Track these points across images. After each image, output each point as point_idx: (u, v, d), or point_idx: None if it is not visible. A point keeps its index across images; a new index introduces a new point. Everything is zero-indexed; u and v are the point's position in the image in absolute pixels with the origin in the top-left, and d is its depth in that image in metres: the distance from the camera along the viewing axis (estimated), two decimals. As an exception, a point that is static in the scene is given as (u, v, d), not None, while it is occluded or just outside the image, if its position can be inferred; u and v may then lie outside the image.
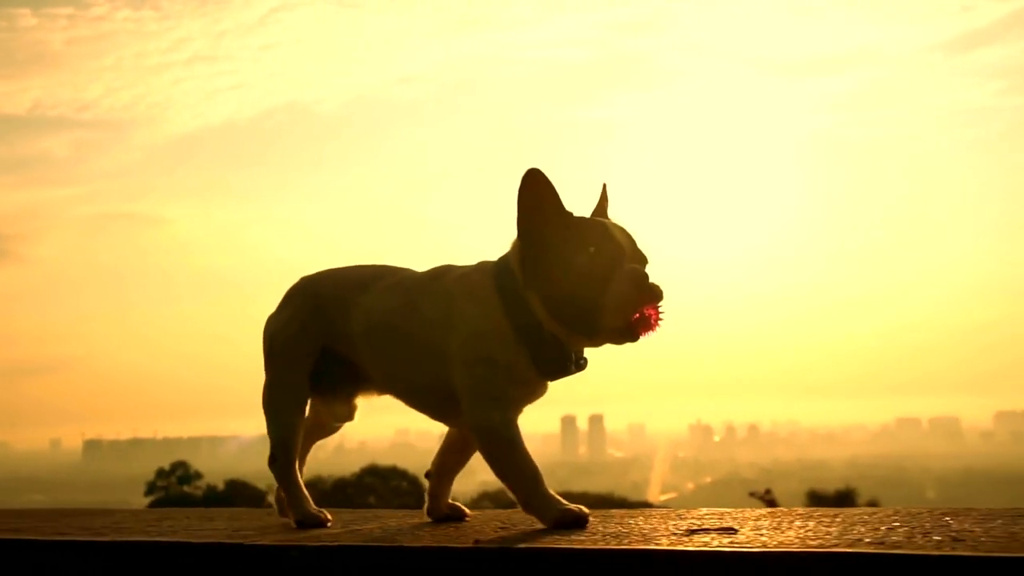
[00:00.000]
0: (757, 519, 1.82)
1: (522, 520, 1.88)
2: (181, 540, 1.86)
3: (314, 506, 2.02)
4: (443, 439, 2.04)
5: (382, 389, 2.04)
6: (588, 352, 1.87)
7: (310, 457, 2.19)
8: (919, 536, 1.54)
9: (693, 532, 1.66)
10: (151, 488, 38.28)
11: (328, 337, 2.00)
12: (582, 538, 1.63)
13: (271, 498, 2.22)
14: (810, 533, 1.61)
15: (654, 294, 1.75)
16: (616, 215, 1.92)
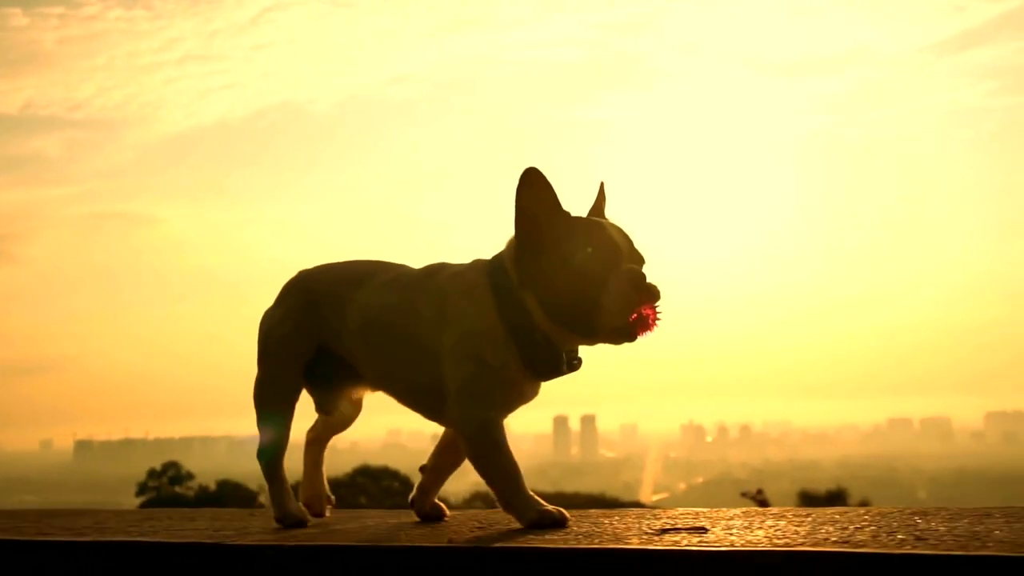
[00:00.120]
0: (730, 519, 1.85)
1: (500, 520, 1.91)
2: (161, 540, 1.88)
3: (297, 504, 2.05)
4: (441, 437, 2.04)
5: (376, 386, 2.05)
6: (580, 352, 1.88)
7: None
8: (884, 535, 1.56)
9: (664, 532, 1.69)
10: (142, 489, 38.15)
11: (323, 334, 2.02)
12: (553, 537, 1.65)
13: (263, 498, 2.24)
14: (779, 533, 1.64)
15: (652, 294, 1.76)
16: (612, 215, 1.94)
